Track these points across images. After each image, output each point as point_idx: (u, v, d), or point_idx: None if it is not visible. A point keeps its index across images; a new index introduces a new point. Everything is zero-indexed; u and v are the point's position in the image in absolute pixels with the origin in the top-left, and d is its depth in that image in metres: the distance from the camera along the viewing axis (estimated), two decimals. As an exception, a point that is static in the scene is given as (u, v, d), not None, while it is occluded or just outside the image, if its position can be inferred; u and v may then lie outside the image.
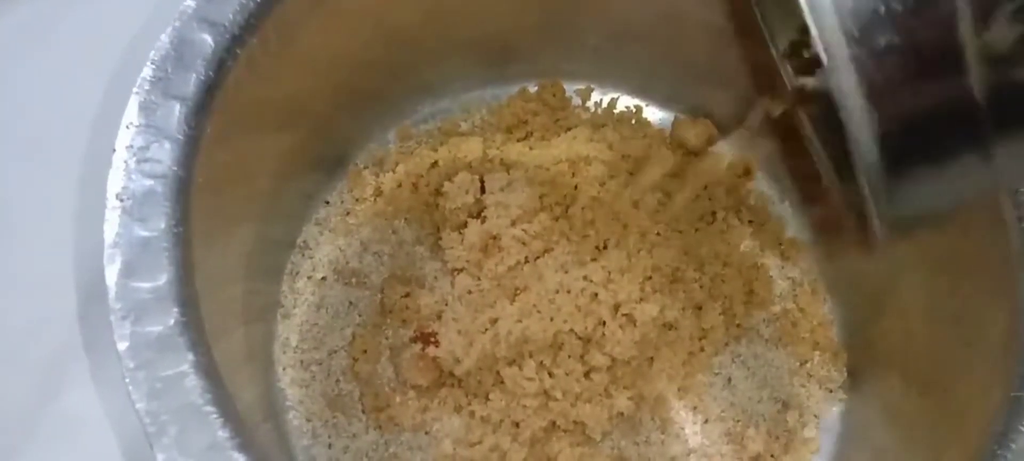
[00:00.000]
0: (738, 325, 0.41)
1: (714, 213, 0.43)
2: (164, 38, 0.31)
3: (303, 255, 0.41)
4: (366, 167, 0.43)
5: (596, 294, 0.38)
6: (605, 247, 0.40)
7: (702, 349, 0.40)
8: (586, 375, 0.37)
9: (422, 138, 0.44)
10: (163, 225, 0.29)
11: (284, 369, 0.39)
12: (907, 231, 0.26)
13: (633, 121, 0.45)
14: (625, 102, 0.46)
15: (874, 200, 0.24)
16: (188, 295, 0.28)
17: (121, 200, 0.29)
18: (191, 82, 0.30)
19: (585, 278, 0.38)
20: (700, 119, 0.45)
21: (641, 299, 0.38)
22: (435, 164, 0.43)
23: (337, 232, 0.42)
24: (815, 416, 0.40)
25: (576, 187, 0.42)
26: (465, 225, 0.39)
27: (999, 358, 0.32)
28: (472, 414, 0.38)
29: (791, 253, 0.43)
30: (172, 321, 0.27)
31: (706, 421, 0.40)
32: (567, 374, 0.37)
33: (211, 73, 0.31)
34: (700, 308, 0.40)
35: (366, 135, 0.44)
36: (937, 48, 0.21)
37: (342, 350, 0.39)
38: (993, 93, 0.22)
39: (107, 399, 0.38)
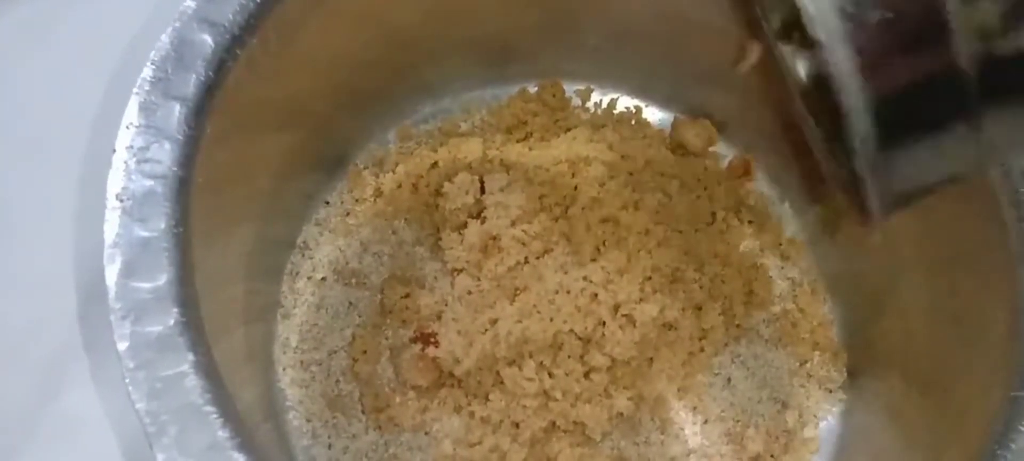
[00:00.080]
0: (738, 325, 0.41)
1: (714, 213, 0.43)
2: (164, 38, 0.31)
3: (303, 255, 0.41)
4: (366, 167, 0.43)
5: (596, 294, 0.38)
6: (605, 247, 0.40)
7: (702, 349, 0.40)
8: (586, 375, 0.37)
9: (422, 138, 0.44)
10: (163, 225, 0.29)
11: (284, 369, 0.39)
12: (899, 206, 0.27)
13: (633, 122, 0.45)
14: (625, 102, 0.46)
15: (867, 174, 0.24)
16: (188, 295, 0.28)
17: (121, 200, 0.29)
18: (191, 82, 0.31)
19: (585, 278, 0.38)
20: (700, 119, 0.45)
21: (641, 299, 0.38)
22: (435, 164, 0.43)
23: (337, 232, 0.42)
24: (815, 416, 0.40)
25: (576, 188, 0.42)
26: (465, 225, 0.39)
27: (999, 358, 0.32)
28: (472, 414, 0.38)
29: (791, 253, 0.43)
30: (172, 321, 0.27)
31: (706, 421, 0.40)
32: (567, 374, 0.37)
33: (211, 73, 0.31)
34: (700, 308, 0.40)
35: (366, 135, 0.44)
36: (926, 22, 0.22)
37: (342, 350, 0.39)
38: (981, 65, 0.22)
39: (107, 399, 0.38)
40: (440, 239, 0.40)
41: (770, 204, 0.45)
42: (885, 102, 0.23)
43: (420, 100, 0.45)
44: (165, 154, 0.29)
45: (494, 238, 0.39)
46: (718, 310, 0.40)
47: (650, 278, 0.39)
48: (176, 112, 0.30)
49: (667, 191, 0.42)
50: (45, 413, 0.38)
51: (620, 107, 0.46)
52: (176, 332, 0.27)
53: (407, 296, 0.40)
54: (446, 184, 0.40)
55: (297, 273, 0.41)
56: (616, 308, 0.38)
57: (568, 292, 0.38)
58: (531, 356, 0.37)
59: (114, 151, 0.29)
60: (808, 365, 0.41)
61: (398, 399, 0.38)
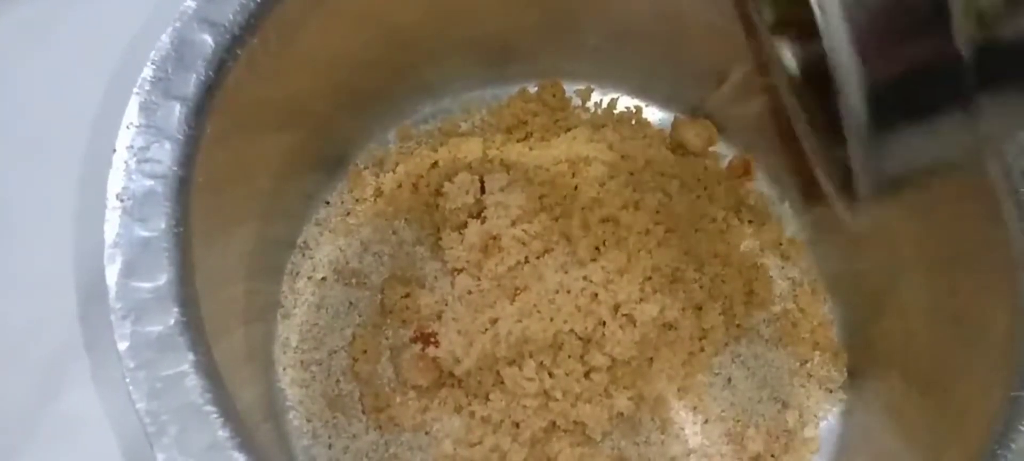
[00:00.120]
0: (738, 325, 0.41)
1: (714, 213, 0.43)
2: (164, 38, 0.31)
3: (303, 255, 0.41)
4: (366, 167, 0.43)
5: (596, 294, 0.38)
6: (605, 247, 0.40)
7: (702, 349, 0.40)
8: (586, 375, 0.37)
9: (422, 138, 0.44)
10: (163, 225, 0.29)
11: (284, 369, 0.39)
12: (889, 190, 0.27)
13: (633, 121, 0.45)
14: (625, 102, 0.46)
15: (860, 155, 0.24)
16: (188, 295, 0.28)
17: (121, 200, 0.29)
18: (191, 82, 0.31)
19: (585, 278, 0.38)
20: (700, 119, 0.45)
21: (641, 299, 0.38)
22: (435, 164, 0.43)
23: (337, 232, 0.42)
24: (815, 416, 0.40)
25: (576, 187, 0.42)
26: (465, 225, 0.39)
27: (999, 358, 0.32)
28: (472, 414, 0.38)
29: (791, 253, 0.43)
30: (172, 321, 0.27)
31: (706, 421, 0.40)
32: (567, 374, 0.37)
33: (211, 73, 0.31)
34: (700, 308, 0.40)
35: (366, 135, 0.44)
36: (927, 6, 0.22)
37: (342, 350, 0.39)
38: (979, 51, 0.22)
39: (107, 399, 0.38)
40: (440, 239, 0.40)
41: (770, 204, 0.45)
42: (882, 83, 0.23)
43: (420, 100, 0.45)
44: (165, 154, 0.29)
45: (494, 238, 0.39)
46: (718, 310, 0.40)
47: (650, 278, 0.39)
48: (176, 112, 0.30)
49: (667, 191, 0.42)
50: (45, 413, 0.38)
51: (620, 107, 0.46)
52: (176, 332, 0.27)
53: (407, 296, 0.40)
54: (446, 184, 0.40)
55: (297, 273, 0.41)
56: (616, 308, 0.38)
57: (568, 292, 0.38)
58: (531, 356, 0.37)
59: (114, 151, 0.29)
60: (808, 365, 0.41)
61: (398, 399, 0.38)
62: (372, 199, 0.43)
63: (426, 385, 0.38)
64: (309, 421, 0.38)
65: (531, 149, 0.43)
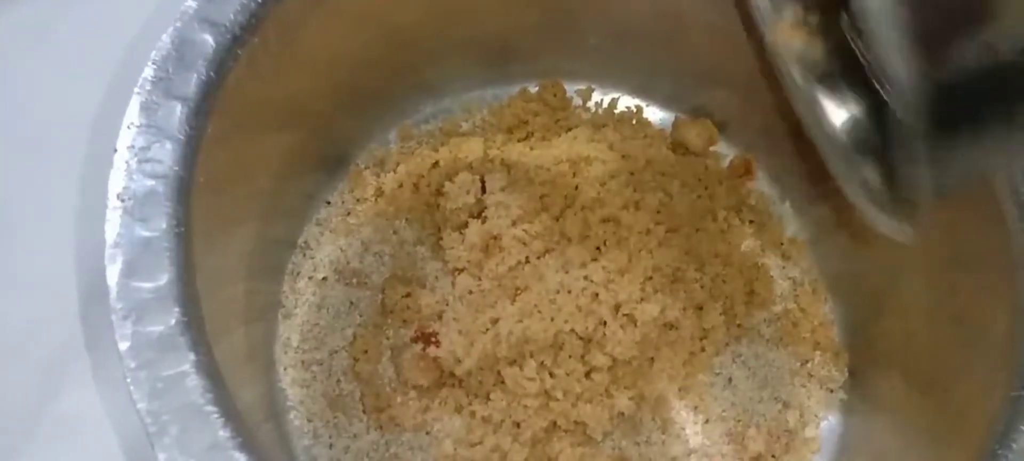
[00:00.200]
0: (739, 325, 0.41)
1: (714, 213, 0.43)
2: (165, 38, 0.31)
3: (304, 255, 0.41)
4: (367, 167, 0.43)
5: (597, 294, 0.38)
6: (605, 247, 0.40)
7: (703, 349, 0.40)
8: (587, 375, 0.37)
9: (423, 138, 0.44)
10: (164, 225, 0.29)
11: (285, 369, 0.39)
12: (938, 197, 0.26)
13: (634, 121, 0.45)
14: (626, 102, 0.46)
15: (914, 166, 0.23)
16: (189, 295, 0.28)
17: (122, 200, 0.29)
18: (192, 82, 0.31)
19: (586, 278, 0.38)
20: (700, 119, 0.45)
21: (642, 299, 0.38)
22: (436, 164, 0.43)
23: (338, 232, 0.42)
24: (816, 416, 0.40)
25: (577, 187, 0.42)
26: (466, 225, 0.40)
27: (999, 358, 0.32)
28: (473, 414, 0.38)
29: (792, 253, 0.43)
30: (173, 321, 0.27)
31: (707, 421, 0.40)
32: (568, 374, 0.37)
33: (212, 73, 0.31)
34: (701, 308, 0.40)
35: (367, 135, 0.44)
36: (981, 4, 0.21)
37: (343, 350, 0.39)
38: None
39: (108, 399, 0.38)
40: (441, 239, 0.40)
41: (771, 204, 0.45)
42: (942, 88, 0.21)
43: (421, 100, 0.45)
44: (166, 154, 0.30)
45: (495, 238, 0.39)
46: (719, 310, 0.40)
47: (651, 278, 0.39)
48: (177, 112, 0.30)
49: (668, 191, 0.42)
50: (45, 413, 0.38)
51: (621, 107, 0.46)
52: (177, 332, 0.27)
53: (408, 296, 0.40)
54: (447, 184, 0.40)
55: (298, 273, 0.41)
56: (617, 308, 0.38)
57: (569, 292, 0.38)
58: (532, 356, 0.37)
59: (115, 151, 0.29)
60: (809, 365, 0.41)
61: (399, 399, 0.38)
62: (373, 199, 0.43)
63: (427, 385, 0.38)
64: (310, 421, 0.38)
65: (532, 149, 0.43)
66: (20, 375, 0.38)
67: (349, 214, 0.42)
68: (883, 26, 0.21)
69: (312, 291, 0.40)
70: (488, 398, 0.37)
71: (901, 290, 0.39)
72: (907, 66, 0.21)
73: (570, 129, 0.44)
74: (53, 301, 0.39)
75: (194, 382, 0.27)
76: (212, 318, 0.29)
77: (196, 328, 0.28)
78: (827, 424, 0.40)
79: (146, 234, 0.28)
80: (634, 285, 0.38)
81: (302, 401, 0.38)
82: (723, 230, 0.43)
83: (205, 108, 0.31)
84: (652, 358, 0.39)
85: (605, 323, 0.38)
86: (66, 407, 0.38)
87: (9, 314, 0.39)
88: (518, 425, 0.37)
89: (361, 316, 0.40)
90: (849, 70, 0.32)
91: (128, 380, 0.27)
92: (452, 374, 0.38)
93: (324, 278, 0.41)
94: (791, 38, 0.34)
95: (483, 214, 0.40)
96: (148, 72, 0.30)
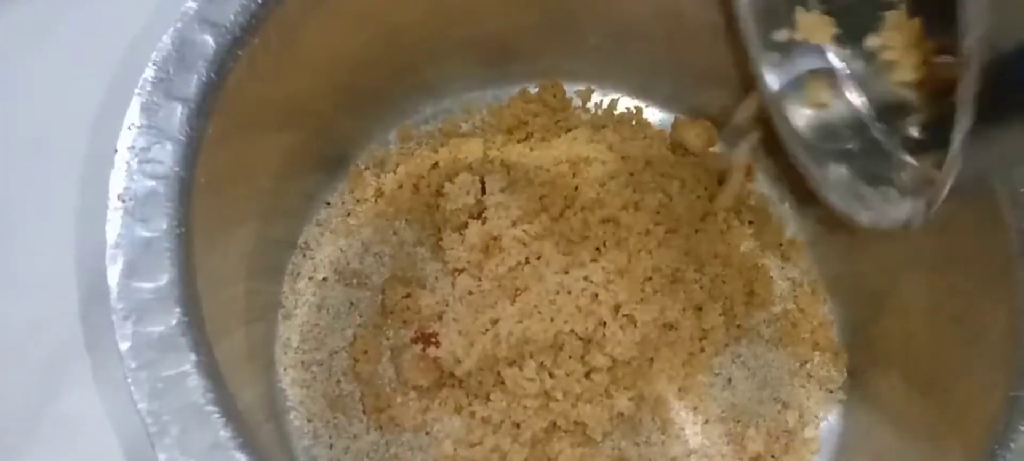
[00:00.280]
0: (738, 326, 0.41)
1: (714, 213, 0.43)
2: (166, 39, 0.31)
3: (304, 256, 0.41)
4: (367, 168, 0.43)
5: (596, 295, 0.38)
6: (605, 248, 0.40)
7: (702, 350, 0.40)
8: (587, 376, 0.37)
9: (423, 139, 0.44)
10: (165, 225, 0.29)
11: (285, 369, 0.39)
12: (967, 194, 0.27)
13: (633, 122, 0.45)
14: (625, 103, 0.46)
15: (962, 156, 0.24)
16: (190, 295, 0.28)
17: (123, 201, 0.29)
18: (193, 83, 0.31)
19: (585, 279, 0.38)
20: (700, 120, 0.45)
21: (641, 300, 0.38)
22: (436, 165, 0.43)
23: (338, 233, 0.42)
24: (815, 416, 0.40)
25: (576, 188, 0.42)
26: (466, 226, 0.40)
27: (999, 358, 0.32)
28: (473, 415, 0.38)
29: (791, 253, 0.44)
30: (174, 321, 0.27)
31: (706, 421, 0.40)
32: (568, 375, 0.37)
33: (213, 74, 0.31)
34: (700, 309, 0.40)
35: (367, 135, 0.44)
36: None
37: (343, 351, 0.39)
38: None
39: (108, 399, 0.38)
40: (441, 239, 0.40)
41: (770, 204, 0.45)
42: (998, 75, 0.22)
43: (421, 100, 0.45)
44: (167, 154, 0.30)
45: (495, 238, 0.39)
46: (718, 310, 0.40)
47: (651, 278, 0.39)
48: (178, 112, 0.30)
49: (667, 191, 0.42)
50: (45, 413, 0.38)
51: (620, 107, 0.46)
52: (178, 332, 0.27)
53: (408, 296, 0.40)
54: (447, 184, 0.40)
55: (298, 273, 0.41)
56: (617, 308, 0.38)
57: (569, 292, 0.38)
58: (532, 356, 0.37)
59: (116, 151, 0.29)
60: (808, 365, 0.41)
61: (399, 399, 0.38)
62: (373, 199, 0.43)
63: (427, 385, 0.38)
64: (310, 421, 0.38)
65: (532, 150, 0.43)
66: (20, 375, 0.38)
67: (349, 215, 0.42)
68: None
69: (312, 291, 0.40)
70: (488, 398, 0.37)
71: (900, 290, 0.39)
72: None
73: (570, 130, 0.44)
74: (53, 301, 0.39)
75: (195, 382, 0.27)
76: (212, 318, 0.29)
77: (197, 328, 0.28)
78: (826, 424, 0.40)
79: (147, 234, 0.28)
80: (634, 286, 0.38)
81: (302, 401, 0.38)
82: (722, 231, 0.43)
83: (205, 109, 0.31)
84: (652, 359, 0.39)
85: (605, 324, 0.38)
86: (66, 407, 0.38)
87: (9, 314, 0.39)
88: (518, 425, 0.37)
89: (361, 316, 0.40)
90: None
91: (129, 380, 0.27)
92: (452, 374, 0.38)
93: (324, 279, 0.41)
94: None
95: (483, 215, 0.40)
96: (148, 73, 0.30)
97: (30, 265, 0.40)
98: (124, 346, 0.27)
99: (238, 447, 0.26)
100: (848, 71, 0.37)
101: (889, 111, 0.35)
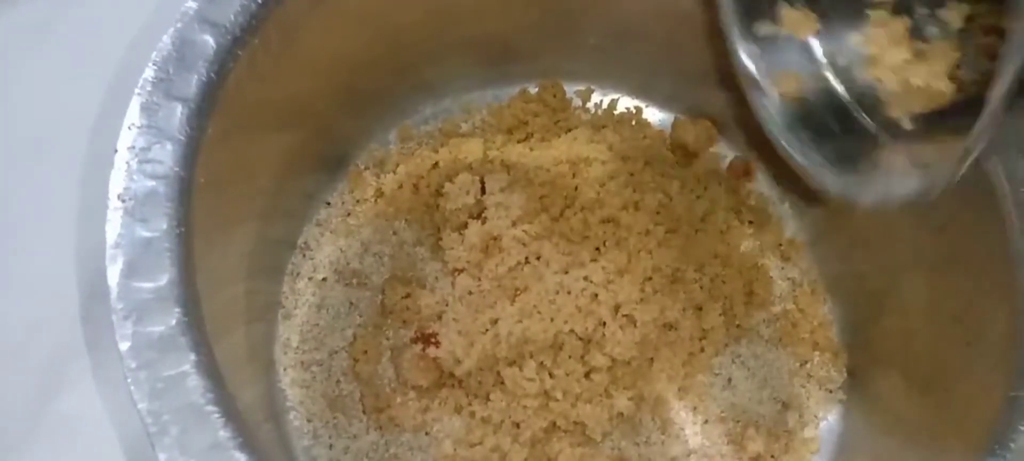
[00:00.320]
0: (738, 326, 0.41)
1: (714, 214, 0.43)
2: (166, 39, 0.31)
3: (304, 256, 0.41)
4: (367, 168, 0.43)
5: (596, 295, 0.38)
6: (605, 248, 0.40)
7: (702, 350, 0.40)
8: (586, 375, 0.37)
9: (423, 139, 0.44)
10: (165, 225, 0.29)
11: (285, 369, 0.39)
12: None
13: (633, 122, 0.45)
14: (625, 103, 0.46)
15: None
16: (190, 295, 0.28)
17: (123, 200, 0.29)
18: (193, 83, 0.31)
19: (585, 279, 0.38)
20: (700, 120, 0.45)
21: (641, 300, 0.38)
22: (436, 165, 0.43)
23: (338, 233, 0.42)
24: (815, 416, 0.40)
25: (576, 188, 0.42)
26: (466, 226, 0.40)
27: (999, 358, 0.32)
28: (473, 415, 0.38)
29: (791, 253, 0.44)
30: (174, 321, 0.27)
31: (706, 421, 0.40)
32: (567, 375, 0.37)
33: (213, 74, 0.31)
34: (700, 309, 0.40)
35: (367, 135, 0.44)
36: None
37: (343, 351, 0.39)
38: None
39: (108, 399, 0.38)
40: (441, 239, 0.40)
41: (770, 204, 0.45)
42: None
43: (421, 100, 0.45)
44: (167, 154, 0.30)
45: (495, 238, 0.39)
46: (718, 310, 0.40)
47: (650, 278, 0.39)
48: (178, 112, 0.30)
49: (667, 191, 0.42)
50: (45, 413, 0.38)
51: (620, 107, 0.46)
52: (178, 332, 0.27)
53: (408, 296, 0.40)
54: (447, 184, 0.41)
55: (298, 273, 0.41)
56: (616, 308, 0.38)
57: (568, 292, 0.38)
58: (532, 356, 0.37)
59: (116, 151, 0.29)
60: (808, 365, 0.41)
61: (399, 399, 0.38)
62: (373, 200, 0.43)
63: (426, 385, 0.38)
64: (310, 421, 0.38)
65: (531, 150, 0.43)
66: (20, 375, 0.38)
67: (349, 215, 0.42)
68: None
69: (312, 292, 0.40)
70: (488, 398, 0.37)
71: (901, 290, 0.39)
72: None
73: (570, 130, 0.44)
74: (53, 301, 0.39)
75: (194, 382, 0.27)
76: (212, 318, 0.29)
77: (196, 328, 0.28)
78: (826, 424, 0.40)
79: (147, 234, 0.28)
80: (633, 286, 0.38)
81: (302, 401, 0.38)
82: (722, 231, 0.43)
83: (205, 109, 0.31)
84: (651, 358, 0.39)
85: (604, 324, 0.38)
86: (66, 407, 0.38)
87: (9, 314, 0.39)
88: (518, 425, 0.37)
89: (361, 317, 0.40)
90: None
91: (128, 380, 0.27)
92: (452, 375, 0.38)
93: (324, 279, 0.41)
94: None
95: (483, 215, 0.40)
96: (149, 73, 0.30)
97: (30, 265, 0.40)
98: (124, 346, 0.27)
99: (238, 447, 0.26)
100: (830, 63, 0.37)
101: (872, 102, 0.36)
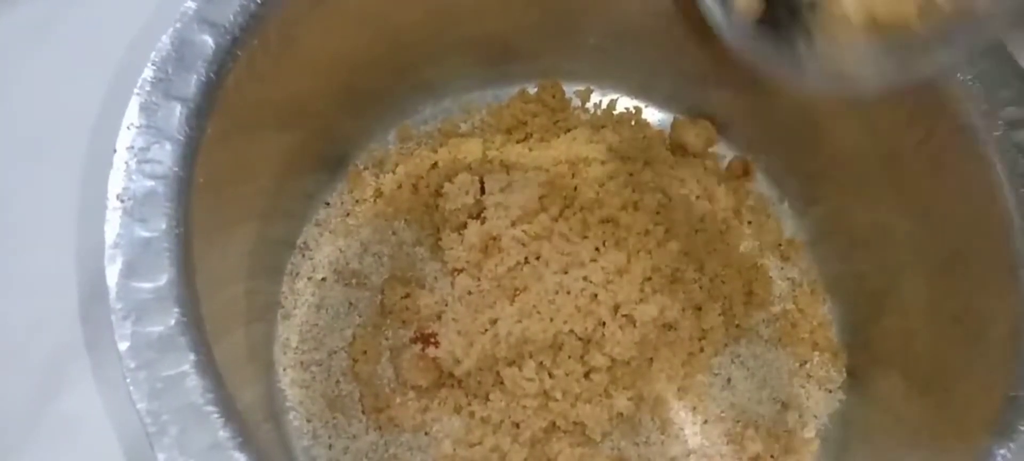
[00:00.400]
0: (738, 326, 0.41)
1: (713, 214, 0.43)
2: (165, 39, 0.31)
3: (303, 256, 0.41)
4: (366, 168, 0.43)
5: (596, 295, 0.38)
6: (605, 248, 0.40)
7: (702, 349, 0.40)
8: (586, 376, 0.37)
9: (422, 139, 0.44)
10: (164, 225, 0.29)
11: (284, 370, 0.39)
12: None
13: (633, 122, 0.45)
14: (625, 103, 0.46)
15: None
16: (189, 295, 0.28)
17: (122, 200, 0.29)
18: (192, 83, 0.31)
19: (585, 279, 0.38)
20: (700, 120, 0.45)
21: (641, 300, 0.38)
22: (435, 165, 0.43)
23: (337, 233, 0.42)
24: (815, 416, 0.40)
25: (576, 188, 0.42)
26: (465, 226, 0.40)
27: (999, 358, 0.32)
28: (472, 415, 0.38)
29: (791, 253, 0.44)
30: (173, 321, 0.27)
31: (706, 422, 0.40)
32: (567, 375, 0.37)
33: (212, 74, 0.31)
34: (700, 309, 0.40)
35: (366, 135, 0.44)
36: None
37: (342, 351, 0.39)
38: None
39: (108, 399, 0.38)
40: (440, 239, 0.40)
41: (770, 204, 0.45)
42: None
43: (420, 100, 0.45)
44: (166, 154, 0.30)
45: (494, 238, 0.39)
46: (718, 310, 0.40)
47: (650, 278, 0.39)
48: (177, 112, 0.30)
49: (667, 191, 0.42)
50: (45, 413, 0.38)
51: (620, 107, 0.46)
52: (177, 332, 0.27)
53: (407, 296, 0.40)
54: (446, 184, 0.41)
55: (297, 273, 0.41)
56: (616, 308, 0.38)
57: (568, 292, 0.38)
58: (531, 356, 0.37)
59: (115, 151, 0.29)
60: (808, 365, 0.41)
61: (398, 399, 0.38)
62: (372, 200, 0.43)
63: (426, 385, 0.38)
64: (309, 421, 0.38)
65: (531, 150, 0.43)
66: (20, 375, 0.38)
67: (348, 215, 0.42)
68: None
69: (311, 292, 0.40)
70: (487, 398, 0.37)
71: (901, 290, 0.39)
72: None
73: (569, 130, 0.44)
74: (53, 301, 0.39)
75: (194, 382, 0.27)
76: (212, 318, 0.29)
77: (196, 328, 0.28)
78: (826, 424, 0.40)
79: (146, 234, 0.28)
80: (633, 286, 0.38)
81: (301, 402, 0.38)
82: (722, 231, 0.43)
83: (205, 109, 0.31)
84: (651, 358, 0.39)
85: (604, 324, 0.38)
86: (66, 407, 0.38)
87: (9, 314, 0.39)
88: (517, 425, 0.37)
89: (360, 317, 0.40)
90: None
91: (128, 380, 0.27)
92: (451, 374, 0.38)
93: (323, 279, 0.41)
94: None
95: (482, 215, 0.40)
96: (148, 73, 0.30)
97: (30, 265, 0.40)
98: (123, 346, 0.27)
99: (237, 447, 0.26)
100: None
101: None
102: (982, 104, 0.33)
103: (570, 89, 0.46)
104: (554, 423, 0.37)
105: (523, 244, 0.39)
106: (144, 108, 0.30)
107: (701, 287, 0.40)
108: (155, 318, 0.27)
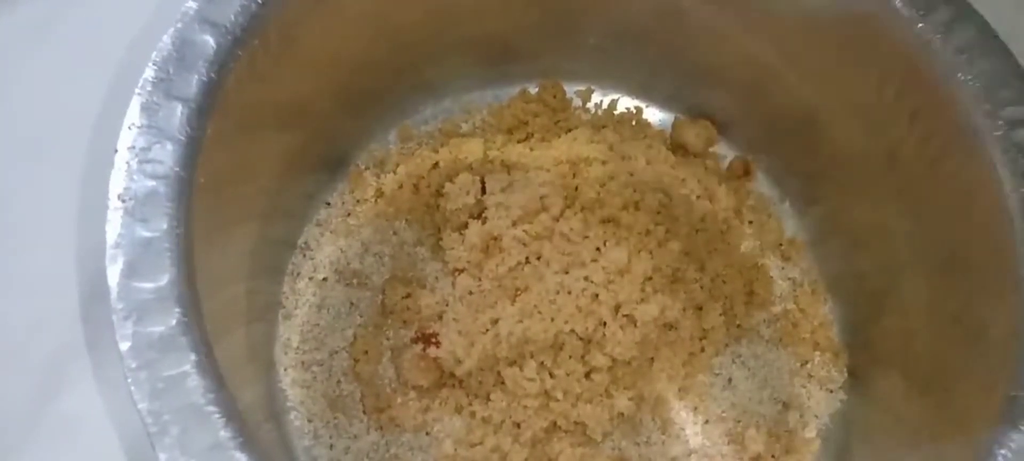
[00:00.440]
0: (738, 326, 0.41)
1: (714, 214, 0.43)
2: (166, 39, 0.31)
3: (304, 256, 0.41)
4: (367, 168, 0.43)
5: (597, 295, 0.38)
6: (605, 247, 0.40)
7: (702, 349, 0.40)
8: (587, 376, 0.37)
9: (423, 139, 0.44)
10: (165, 225, 0.29)
11: (285, 370, 0.39)
12: None
13: (633, 122, 0.45)
14: (625, 103, 0.46)
15: None
16: (190, 295, 0.28)
17: (123, 200, 0.29)
18: (193, 83, 0.31)
19: (586, 279, 0.38)
20: (700, 120, 0.45)
21: (641, 300, 0.38)
22: (436, 165, 0.43)
23: (338, 233, 0.42)
24: (816, 416, 0.40)
25: (577, 188, 0.42)
26: (466, 226, 0.40)
27: (999, 358, 0.32)
28: (473, 415, 0.38)
29: (791, 253, 0.44)
30: (174, 321, 0.28)
31: (707, 421, 0.40)
32: (568, 375, 0.37)
33: (213, 74, 0.31)
34: (700, 309, 0.40)
35: (367, 136, 0.44)
36: None
37: (343, 351, 0.39)
38: None
39: (109, 399, 0.38)
40: (441, 239, 0.40)
41: (770, 204, 0.45)
42: None
43: (421, 100, 0.45)
44: (167, 154, 0.30)
45: (495, 238, 0.39)
46: (719, 310, 0.40)
47: (651, 278, 0.39)
48: (178, 113, 0.30)
49: (668, 192, 0.42)
50: (45, 413, 0.38)
51: (620, 107, 0.46)
52: (178, 332, 0.27)
53: (408, 296, 0.40)
54: (447, 184, 0.41)
55: (298, 273, 0.41)
56: (617, 308, 0.38)
57: (569, 292, 0.38)
58: (532, 356, 0.37)
59: (116, 151, 0.29)
60: (809, 365, 0.41)
61: (399, 399, 0.38)
62: (373, 200, 0.43)
63: (427, 385, 0.38)
64: (310, 421, 0.38)
65: (532, 150, 0.43)
66: (20, 375, 0.38)
67: (349, 215, 0.42)
68: None
69: (312, 292, 0.40)
70: (488, 398, 0.37)
71: (901, 290, 0.39)
72: None
73: (570, 130, 0.44)
74: (53, 301, 0.39)
75: (195, 382, 0.27)
76: (213, 318, 0.29)
77: (197, 328, 0.28)
78: (827, 424, 0.40)
79: (147, 234, 0.28)
80: (634, 286, 0.38)
81: (302, 402, 0.38)
82: (723, 231, 0.43)
83: (206, 109, 0.31)
84: (652, 358, 0.39)
85: (605, 324, 0.38)
86: (66, 407, 0.38)
87: (9, 314, 0.39)
88: (518, 425, 0.37)
89: (361, 317, 0.40)
90: None
91: (129, 380, 0.27)
92: (452, 375, 0.38)
93: (324, 279, 0.41)
94: None
95: (483, 215, 0.40)
96: (149, 73, 0.30)
97: (30, 265, 0.40)
98: (124, 346, 0.27)
99: (238, 447, 0.27)
100: None
101: None
102: (983, 104, 0.33)
103: (571, 89, 0.46)
104: (555, 423, 0.37)
105: (524, 244, 0.39)
106: (145, 108, 0.30)
107: (702, 287, 0.40)
108: (156, 318, 0.27)
